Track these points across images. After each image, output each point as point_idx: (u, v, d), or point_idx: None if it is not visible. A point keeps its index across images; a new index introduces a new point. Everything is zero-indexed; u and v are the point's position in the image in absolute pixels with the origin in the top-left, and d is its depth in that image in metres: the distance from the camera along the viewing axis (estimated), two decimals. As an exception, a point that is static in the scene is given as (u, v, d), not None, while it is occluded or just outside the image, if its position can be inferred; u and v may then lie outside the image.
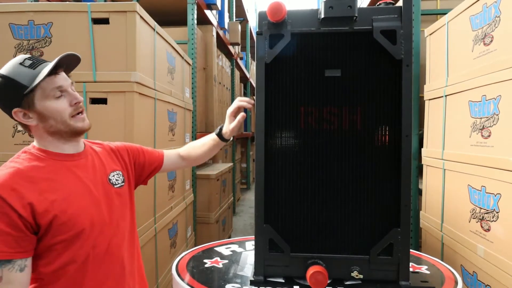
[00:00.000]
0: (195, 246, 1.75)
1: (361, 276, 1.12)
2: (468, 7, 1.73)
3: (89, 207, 0.97)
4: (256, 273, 1.16)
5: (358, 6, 1.08)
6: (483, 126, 1.58)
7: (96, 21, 1.72)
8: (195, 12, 3.09)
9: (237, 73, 5.65)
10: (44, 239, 0.90)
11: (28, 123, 0.95)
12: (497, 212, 1.47)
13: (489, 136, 1.54)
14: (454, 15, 1.87)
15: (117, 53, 1.70)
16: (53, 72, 0.93)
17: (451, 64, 1.92)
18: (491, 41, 1.54)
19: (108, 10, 1.71)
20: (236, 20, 5.46)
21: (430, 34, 2.18)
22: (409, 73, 1.08)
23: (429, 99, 2.17)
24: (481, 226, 1.58)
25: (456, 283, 1.17)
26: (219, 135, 1.28)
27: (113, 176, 1.09)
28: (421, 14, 2.32)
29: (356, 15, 1.08)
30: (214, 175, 3.53)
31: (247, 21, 6.53)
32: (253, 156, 6.96)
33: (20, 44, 1.73)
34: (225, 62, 4.65)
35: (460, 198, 1.75)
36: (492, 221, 1.50)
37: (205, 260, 1.36)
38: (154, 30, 1.98)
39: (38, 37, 1.72)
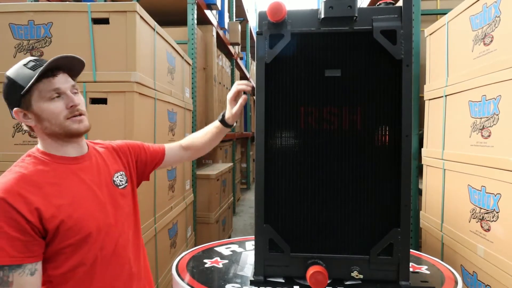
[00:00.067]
0: (195, 246, 1.75)
1: (361, 276, 1.12)
2: (468, 7, 1.73)
3: (95, 211, 0.98)
4: (256, 273, 1.16)
5: (358, 6, 1.08)
6: (483, 126, 1.58)
7: (96, 21, 1.72)
8: (195, 12, 3.09)
9: (237, 73, 5.65)
10: (52, 243, 0.91)
11: (27, 124, 0.96)
12: (497, 212, 1.47)
13: (489, 136, 1.54)
14: (454, 15, 1.87)
15: (117, 53, 1.70)
16: (50, 74, 0.93)
17: (451, 64, 1.92)
18: (491, 41, 1.54)
19: (108, 10, 1.71)
20: (236, 20, 5.46)
21: (430, 34, 2.18)
22: (409, 73, 1.08)
23: (429, 99, 2.17)
24: (481, 226, 1.58)
25: (456, 283, 1.17)
26: (222, 121, 1.28)
27: (117, 177, 1.09)
28: (421, 14, 2.32)
29: (356, 15, 1.08)
30: (214, 175, 3.53)
31: (247, 21, 6.53)
32: (253, 156, 6.96)
33: (20, 44, 1.73)
34: (225, 62, 4.64)
35: (460, 198, 1.75)
36: (492, 221, 1.50)
37: (205, 260, 1.36)
38: (154, 30, 1.98)
39: (38, 37, 1.72)
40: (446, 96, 1.93)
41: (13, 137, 1.74)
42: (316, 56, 1.13)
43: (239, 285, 1.14)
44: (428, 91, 2.17)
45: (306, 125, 1.14)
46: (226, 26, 4.54)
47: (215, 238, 3.48)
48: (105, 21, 1.71)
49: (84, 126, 0.99)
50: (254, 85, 1.17)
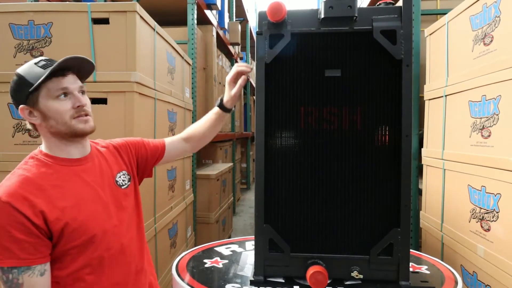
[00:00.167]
0: (195, 246, 1.75)
1: (361, 276, 1.12)
2: (468, 7, 1.73)
3: (99, 212, 0.98)
4: (256, 273, 1.16)
5: (358, 6, 1.08)
6: (483, 126, 1.58)
7: (96, 21, 1.71)
8: (195, 12, 3.09)
9: (237, 73, 5.63)
10: (57, 245, 0.91)
11: (32, 121, 0.97)
12: (497, 212, 1.47)
13: (489, 136, 1.54)
14: (454, 15, 1.87)
15: (117, 53, 1.70)
16: (60, 73, 0.94)
17: (451, 64, 1.92)
18: (491, 41, 1.54)
19: (108, 10, 1.71)
20: (236, 20, 5.46)
21: (430, 34, 2.18)
22: (409, 73, 1.08)
23: (429, 99, 2.17)
24: (481, 226, 1.58)
25: (456, 283, 1.17)
26: (221, 106, 1.27)
27: (120, 177, 1.10)
28: (421, 14, 2.32)
29: (356, 15, 1.08)
30: (214, 175, 3.53)
31: (247, 21, 6.53)
32: (253, 156, 6.96)
33: (20, 44, 1.73)
34: (225, 62, 4.64)
35: (460, 198, 1.75)
36: (492, 221, 1.50)
37: (205, 260, 1.36)
38: (154, 30, 1.98)
39: (38, 37, 1.72)
40: (446, 96, 1.93)
41: (13, 137, 1.74)
42: (316, 56, 1.13)
43: (239, 285, 1.14)
44: (428, 91, 2.17)
45: (306, 125, 1.14)
46: (226, 26, 4.54)
47: (215, 238, 3.48)
48: (105, 21, 1.71)
49: (90, 127, 0.99)
50: (255, 86, 1.17)
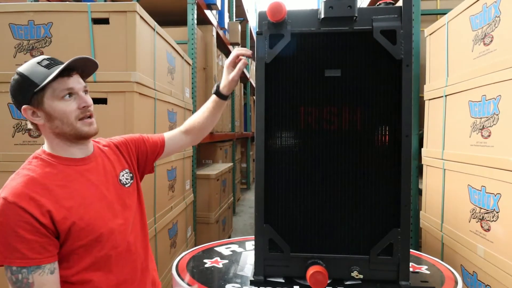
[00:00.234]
0: (195, 246, 1.75)
1: (361, 276, 1.12)
2: (468, 7, 1.73)
3: (105, 211, 0.99)
4: (256, 273, 1.16)
5: (358, 6, 1.08)
6: (483, 126, 1.58)
7: (96, 21, 1.71)
8: (195, 12, 3.09)
9: (237, 73, 5.63)
10: (64, 244, 0.91)
11: (36, 122, 0.96)
12: (497, 212, 1.47)
13: (489, 136, 1.54)
14: (454, 15, 1.87)
15: (117, 53, 1.70)
16: (66, 73, 0.94)
17: (451, 64, 1.92)
18: (491, 41, 1.54)
19: (108, 10, 1.71)
20: (236, 20, 5.46)
21: (430, 34, 2.18)
22: (409, 73, 1.08)
23: (429, 99, 2.17)
24: (481, 226, 1.58)
25: (456, 283, 1.17)
26: (218, 93, 1.24)
27: (123, 176, 1.10)
28: (421, 14, 2.32)
29: (356, 15, 1.08)
30: (214, 175, 3.53)
31: (247, 21, 6.53)
32: (253, 156, 6.96)
33: (20, 44, 1.73)
34: (225, 62, 4.64)
35: (460, 198, 1.75)
36: (492, 221, 1.50)
37: (205, 260, 1.36)
38: (154, 30, 1.98)
39: (38, 37, 1.72)
40: (446, 96, 1.93)
41: (13, 137, 1.74)
42: (316, 56, 1.13)
43: (239, 285, 1.14)
44: (428, 91, 2.17)
45: (306, 125, 1.14)
46: (226, 26, 4.54)
47: (215, 238, 3.48)
48: (105, 21, 1.71)
49: (94, 129, 1.00)
50: (255, 86, 1.17)
